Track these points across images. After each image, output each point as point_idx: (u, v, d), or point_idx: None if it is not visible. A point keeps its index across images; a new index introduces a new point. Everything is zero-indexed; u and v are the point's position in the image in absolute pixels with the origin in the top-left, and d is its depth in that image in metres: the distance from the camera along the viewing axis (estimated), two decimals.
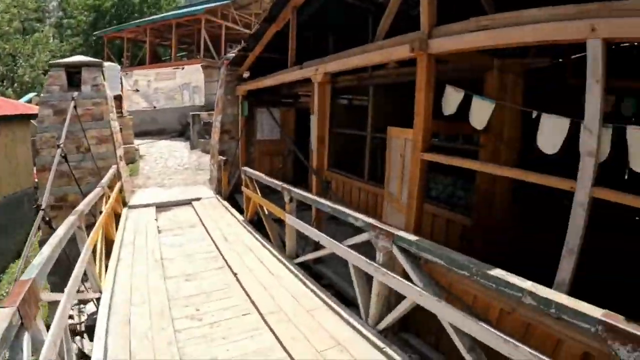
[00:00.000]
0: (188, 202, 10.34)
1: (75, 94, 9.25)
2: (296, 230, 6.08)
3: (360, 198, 8.52)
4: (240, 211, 9.62)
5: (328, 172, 9.50)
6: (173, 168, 15.15)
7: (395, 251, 3.85)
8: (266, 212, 7.37)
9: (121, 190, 9.91)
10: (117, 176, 9.53)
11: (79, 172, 9.47)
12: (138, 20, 30.28)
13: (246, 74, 10.90)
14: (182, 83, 11.81)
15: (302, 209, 6.47)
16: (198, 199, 10.48)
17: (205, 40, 23.77)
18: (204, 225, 8.25)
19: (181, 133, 21.70)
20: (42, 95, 9.54)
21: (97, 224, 5.82)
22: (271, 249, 6.59)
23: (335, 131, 9.38)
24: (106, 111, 9.67)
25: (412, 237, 3.75)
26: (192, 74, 11.95)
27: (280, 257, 6.20)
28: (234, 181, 10.86)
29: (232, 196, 10.83)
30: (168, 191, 11.89)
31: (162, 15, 30.03)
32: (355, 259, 4.37)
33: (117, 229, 8.07)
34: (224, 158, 10.15)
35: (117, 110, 16.45)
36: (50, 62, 11.25)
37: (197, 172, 14.45)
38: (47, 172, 9.38)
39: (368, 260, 4.18)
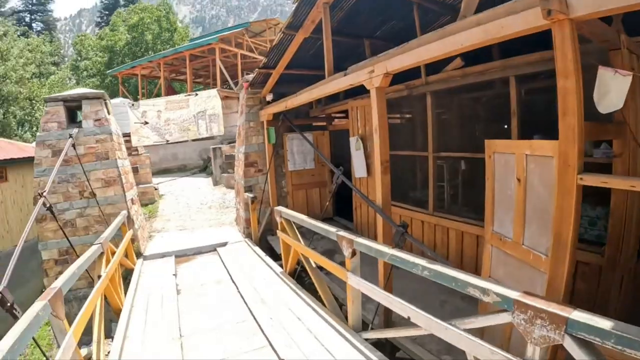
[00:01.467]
0: (213, 249, 8.80)
1: (75, 130, 7.95)
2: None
3: (424, 233, 6.85)
4: (276, 257, 8.03)
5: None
6: (195, 207, 13.69)
7: (570, 345, 2.17)
8: (313, 264, 5.72)
9: (134, 240, 8.43)
10: (128, 224, 8.07)
11: (84, 221, 8.22)
12: (150, 55, 29.60)
13: (269, 97, 9.47)
14: (197, 112, 10.43)
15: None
16: (224, 244, 8.93)
17: (221, 70, 22.69)
18: (233, 281, 6.65)
19: (203, 168, 20.46)
20: (38, 134, 8.22)
21: (89, 299, 4.25)
22: (326, 316, 4.91)
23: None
24: (112, 149, 8.29)
25: (605, 323, 2.07)
26: (207, 100, 10.55)
27: (340, 329, 4.52)
28: (265, 220, 9.30)
29: (264, 238, 9.25)
30: (190, 235, 10.38)
31: (175, 48, 29.30)
32: (482, 352, 2.69)
33: (128, 289, 6.59)
34: (251, 195, 8.61)
35: (132, 148, 15.34)
36: (44, 96, 10.03)
37: (222, 210, 12.96)
38: (48, 223, 8.11)
39: (510, 357, 2.50)
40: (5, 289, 3.54)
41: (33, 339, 3.13)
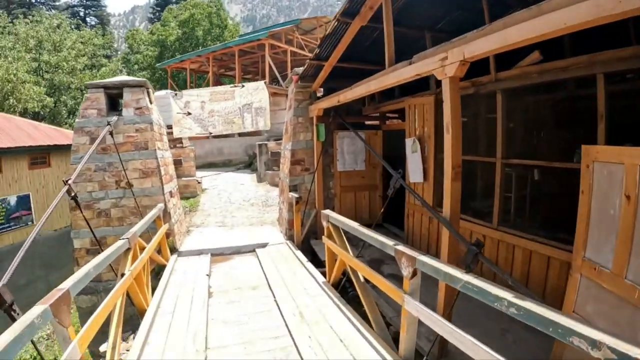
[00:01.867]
0: (251, 250, 8.24)
1: (114, 118, 7.61)
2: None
3: (485, 249, 6.04)
4: (318, 263, 7.39)
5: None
6: (237, 203, 13.26)
7: None
8: (361, 278, 5.03)
9: (169, 234, 7.99)
10: (164, 217, 7.64)
11: (119, 211, 7.89)
12: (200, 50, 29.64)
13: (319, 92, 8.86)
14: (243, 104, 9.90)
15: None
16: (264, 246, 8.36)
17: (270, 66, 22.28)
18: (270, 288, 6.04)
19: (248, 164, 20.09)
20: (77, 120, 7.92)
21: (105, 302, 3.72)
22: (373, 340, 4.19)
23: (442, 157, 7.04)
24: (152, 139, 7.88)
25: None
26: (254, 92, 9.99)
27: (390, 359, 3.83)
28: (309, 223, 8.68)
29: (307, 242, 8.62)
30: (229, 233, 9.90)
31: (224, 43, 29.21)
32: None
33: (157, 286, 6.13)
34: (296, 195, 7.98)
35: (176, 140, 15.08)
36: (86, 82, 9.85)
37: (264, 208, 12.44)
38: (80, 211, 7.77)
39: None
40: (4, 288, 3.07)
41: (32, 342, 2.79)
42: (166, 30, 37.33)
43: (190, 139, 16.74)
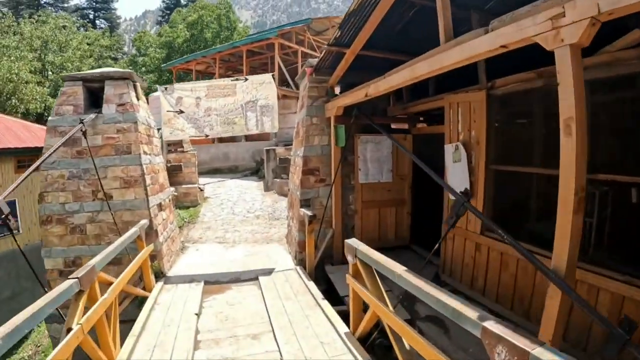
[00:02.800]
0: (254, 278, 6.82)
1: (91, 116, 6.25)
2: None
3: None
4: (335, 298, 5.95)
5: (482, 238, 5.70)
6: (241, 215, 11.83)
7: None
8: (406, 345, 3.51)
9: (154, 256, 6.61)
10: (148, 237, 6.26)
11: (96, 227, 6.63)
12: (205, 50, 28.41)
13: (337, 89, 7.43)
14: (246, 101, 8.43)
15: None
16: (269, 272, 6.92)
17: (280, 67, 20.89)
18: (275, 338, 4.58)
19: (255, 171, 18.72)
20: (49, 118, 6.60)
21: None
22: None
23: (496, 169, 5.59)
24: (136, 141, 6.52)
25: None
26: (260, 87, 8.50)
27: None
28: (324, 245, 7.20)
29: (320, 266, 7.14)
30: (229, 251, 8.49)
31: (231, 42, 27.92)
32: None
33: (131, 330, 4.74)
34: (310, 213, 6.50)
35: (178, 143, 13.72)
36: (61, 74, 8.57)
37: (271, 222, 11.00)
38: (53, 226, 6.45)
39: None
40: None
41: None
42: (174, 32, 36.42)
43: (192, 142, 15.40)
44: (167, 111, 8.33)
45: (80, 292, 3.60)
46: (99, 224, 6.51)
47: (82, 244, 6.58)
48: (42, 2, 50.01)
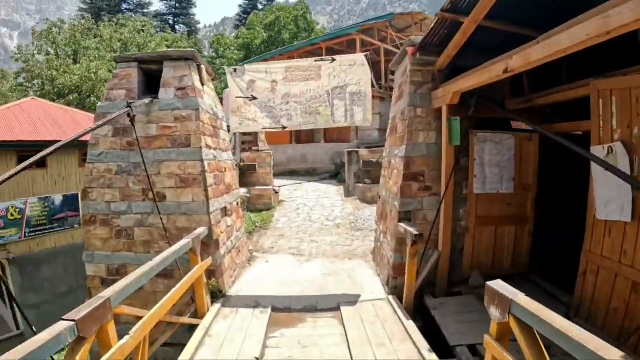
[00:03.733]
0: (334, 308, 5.36)
1: (145, 101, 5.16)
2: None
3: None
4: (441, 350, 4.35)
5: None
6: (319, 223, 10.48)
7: None
8: None
9: (213, 272, 5.38)
10: (206, 249, 5.03)
11: (145, 233, 5.49)
12: (280, 48, 27.47)
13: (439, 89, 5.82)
14: (333, 87, 6.88)
15: None
16: (353, 302, 5.43)
17: None
18: None
19: (334, 175, 17.38)
20: (98, 105, 5.58)
21: None
22: None
23: None
24: (197, 132, 5.34)
25: None
26: (350, 70, 6.90)
27: None
28: (426, 270, 5.56)
29: (419, 297, 5.51)
30: (304, 267, 7.13)
31: (309, 39, 26.72)
32: None
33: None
34: (415, 231, 4.88)
35: (252, 142, 12.71)
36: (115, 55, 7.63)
37: (353, 233, 9.53)
38: (97, 227, 5.40)
39: None
40: None
41: None
42: (252, 34, 36.40)
43: (267, 142, 14.29)
44: (237, 97, 6.97)
45: (80, 340, 2.33)
46: (149, 228, 5.38)
47: (128, 250, 5.52)
48: (123, 8, 52.10)
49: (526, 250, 6.36)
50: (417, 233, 4.72)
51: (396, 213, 5.62)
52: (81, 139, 4.46)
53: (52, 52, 26.59)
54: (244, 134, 13.28)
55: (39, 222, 12.43)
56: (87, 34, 28.58)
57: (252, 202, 11.52)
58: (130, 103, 4.91)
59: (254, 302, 5.39)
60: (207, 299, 5.09)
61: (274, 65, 7.04)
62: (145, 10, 55.77)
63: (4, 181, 2.99)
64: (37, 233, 12.41)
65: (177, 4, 59.33)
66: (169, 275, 5.28)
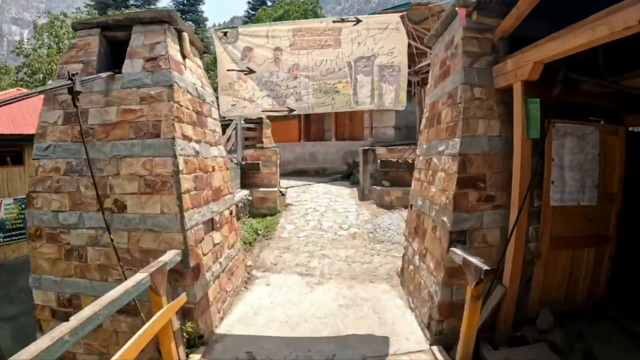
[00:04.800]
0: None
1: (101, 75, 3.70)
2: None
3: None
4: None
5: None
6: (331, 232, 8.96)
7: None
8: None
9: (190, 313, 3.90)
10: (179, 278, 3.57)
11: (100, 254, 3.85)
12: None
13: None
14: (357, 57, 5.20)
15: None
16: (383, 356, 3.93)
17: None
18: None
19: (346, 175, 15.91)
20: (49, 82, 4.10)
21: None
22: None
23: None
24: (169, 117, 3.84)
25: None
26: (380, 36, 5.19)
27: None
28: (488, 311, 3.99)
29: (475, 348, 3.95)
30: (314, 294, 5.66)
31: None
32: None
33: None
34: (484, 265, 3.26)
35: (257, 137, 11.30)
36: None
37: (373, 245, 8.00)
38: (44, 243, 3.92)
39: None
40: None
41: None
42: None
43: (274, 139, 12.81)
44: (228, 70, 5.31)
45: None
46: (105, 249, 3.89)
47: (81, 275, 4.07)
48: (129, 3, 50.94)
49: (604, 278, 4.83)
50: (487, 268, 3.16)
51: (445, 233, 4.06)
52: None
53: (54, 45, 25.31)
54: (248, 128, 11.78)
55: (15, 226, 11.00)
56: None
57: (255, 206, 10.06)
58: (73, 75, 3.42)
59: (247, 355, 3.89)
60: (181, 350, 3.61)
61: (278, 27, 5.31)
62: (152, 6, 54.66)
63: None
64: (13, 238, 10.98)
65: (186, 0, 58.13)
66: (132, 312, 3.82)
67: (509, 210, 4.04)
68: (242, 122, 11.35)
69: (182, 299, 3.56)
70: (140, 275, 2.98)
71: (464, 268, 3.49)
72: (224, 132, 12.13)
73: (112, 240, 3.61)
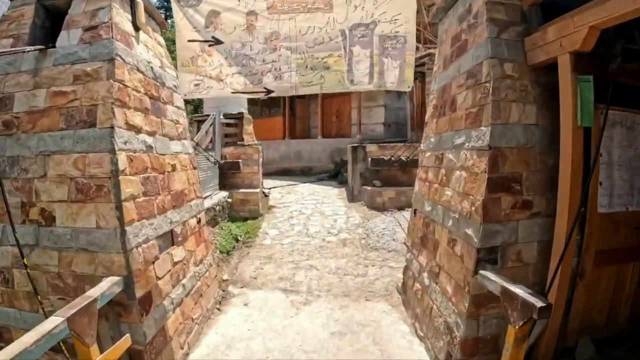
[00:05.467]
0: None
1: (25, 48, 2.78)
2: None
3: None
4: None
5: None
6: (318, 238, 8.07)
7: None
8: None
9: (139, 354, 2.93)
10: (124, 312, 2.63)
11: (27, 279, 2.75)
12: None
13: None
14: (353, 24, 4.26)
15: None
16: None
17: None
18: None
19: (333, 174, 15.08)
20: None
21: None
22: None
23: None
24: (107, 99, 2.87)
25: None
26: None
27: None
28: (528, 345, 3.15)
29: None
30: (300, 317, 4.79)
31: None
32: None
33: None
34: (542, 303, 2.40)
35: (238, 134, 10.41)
36: None
37: (366, 254, 7.12)
38: None
39: None
40: None
41: None
42: None
43: (257, 138, 11.86)
44: (189, 41, 4.32)
45: None
46: (34, 272, 2.94)
47: (9, 304, 3.14)
48: None
49: None
50: (543, 305, 2.29)
51: (469, 250, 3.16)
52: None
53: None
54: (227, 124, 10.80)
55: None
56: None
57: (235, 209, 9.14)
58: None
59: None
60: None
61: None
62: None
63: None
64: None
65: None
66: (72, 351, 2.90)
67: (548, 219, 3.17)
68: (221, 116, 10.38)
69: (125, 342, 2.63)
70: (52, 322, 2.06)
71: (503, 301, 2.61)
72: (199, 128, 11.18)
73: (25, 265, 2.66)
